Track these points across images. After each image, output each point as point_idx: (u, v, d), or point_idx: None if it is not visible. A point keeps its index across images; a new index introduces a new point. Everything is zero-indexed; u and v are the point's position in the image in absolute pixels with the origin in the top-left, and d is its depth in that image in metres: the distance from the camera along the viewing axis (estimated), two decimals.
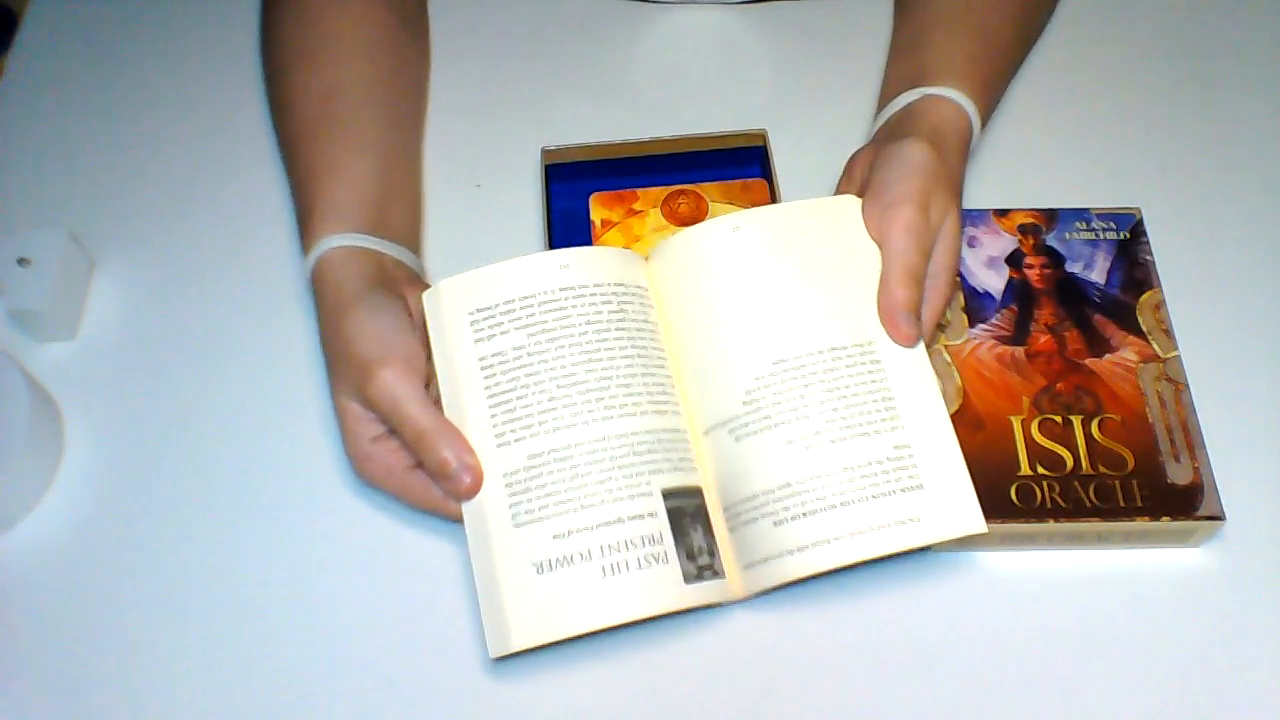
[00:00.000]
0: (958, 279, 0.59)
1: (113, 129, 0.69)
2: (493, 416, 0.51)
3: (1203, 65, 0.71)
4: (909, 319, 0.51)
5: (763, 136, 0.66)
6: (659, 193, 0.64)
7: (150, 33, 0.74)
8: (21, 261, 0.60)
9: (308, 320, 0.62)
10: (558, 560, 0.48)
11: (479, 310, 0.53)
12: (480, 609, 0.49)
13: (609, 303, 0.53)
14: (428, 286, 0.55)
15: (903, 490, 0.49)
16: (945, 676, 0.51)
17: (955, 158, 0.57)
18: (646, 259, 0.56)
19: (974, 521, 0.49)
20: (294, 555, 0.55)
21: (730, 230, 0.54)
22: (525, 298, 0.52)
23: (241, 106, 0.70)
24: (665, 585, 0.49)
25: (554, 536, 0.49)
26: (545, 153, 0.65)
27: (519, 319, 0.52)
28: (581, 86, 0.70)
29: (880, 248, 0.53)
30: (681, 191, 0.64)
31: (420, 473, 0.52)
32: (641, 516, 0.49)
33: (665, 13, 0.74)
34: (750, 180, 0.64)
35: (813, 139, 0.66)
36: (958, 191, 0.56)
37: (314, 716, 0.51)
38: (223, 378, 0.60)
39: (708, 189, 0.64)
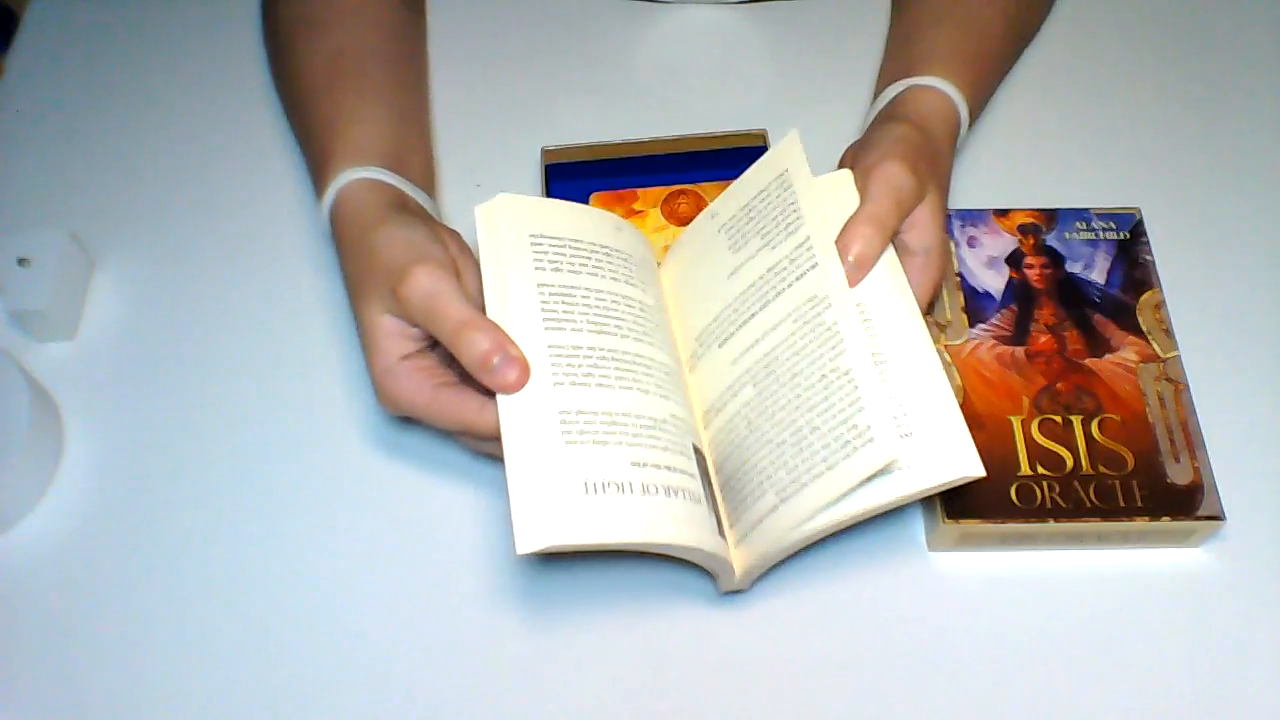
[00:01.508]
0: (951, 262, 0.59)
1: (113, 129, 0.70)
2: (550, 348, 0.49)
3: (1203, 65, 0.71)
4: (851, 266, 0.50)
5: (763, 136, 0.66)
6: (659, 193, 0.64)
7: (150, 33, 0.74)
8: (21, 261, 0.60)
9: (307, 320, 0.62)
10: (607, 484, 0.46)
11: (541, 236, 0.52)
12: (511, 506, 0.45)
13: (647, 275, 0.55)
14: (449, 228, 0.55)
15: None
16: (945, 676, 0.51)
17: (941, 142, 0.57)
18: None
19: (970, 465, 0.48)
20: (295, 554, 0.55)
21: (709, 219, 0.56)
22: (587, 242, 0.53)
23: (242, 106, 0.70)
24: (701, 527, 0.48)
25: (605, 462, 0.47)
26: (545, 153, 0.65)
27: (580, 260, 0.52)
28: (582, 86, 0.70)
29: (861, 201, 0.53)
30: (681, 191, 0.64)
31: (451, 388, 0.50)
32: (683, 471, 0.49)
33: (665, 12, 0.74)
34: None
35: (813, 139, 0.65)
36: (944, 172, 0.56)
37: (309, 712, 0.51)
38: (222, 377, 0.60)
39: (708, 189, 0.64)
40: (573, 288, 0.51)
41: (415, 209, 0.56)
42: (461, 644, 0.52)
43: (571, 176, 0.65)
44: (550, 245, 0.52)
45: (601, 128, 0.67)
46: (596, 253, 0.53)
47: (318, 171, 0.58)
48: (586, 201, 0.63)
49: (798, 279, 0.51)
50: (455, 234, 0.54)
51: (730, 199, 0.56)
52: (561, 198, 0.63)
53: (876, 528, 0.54)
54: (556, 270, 0.52)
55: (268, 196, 0.66)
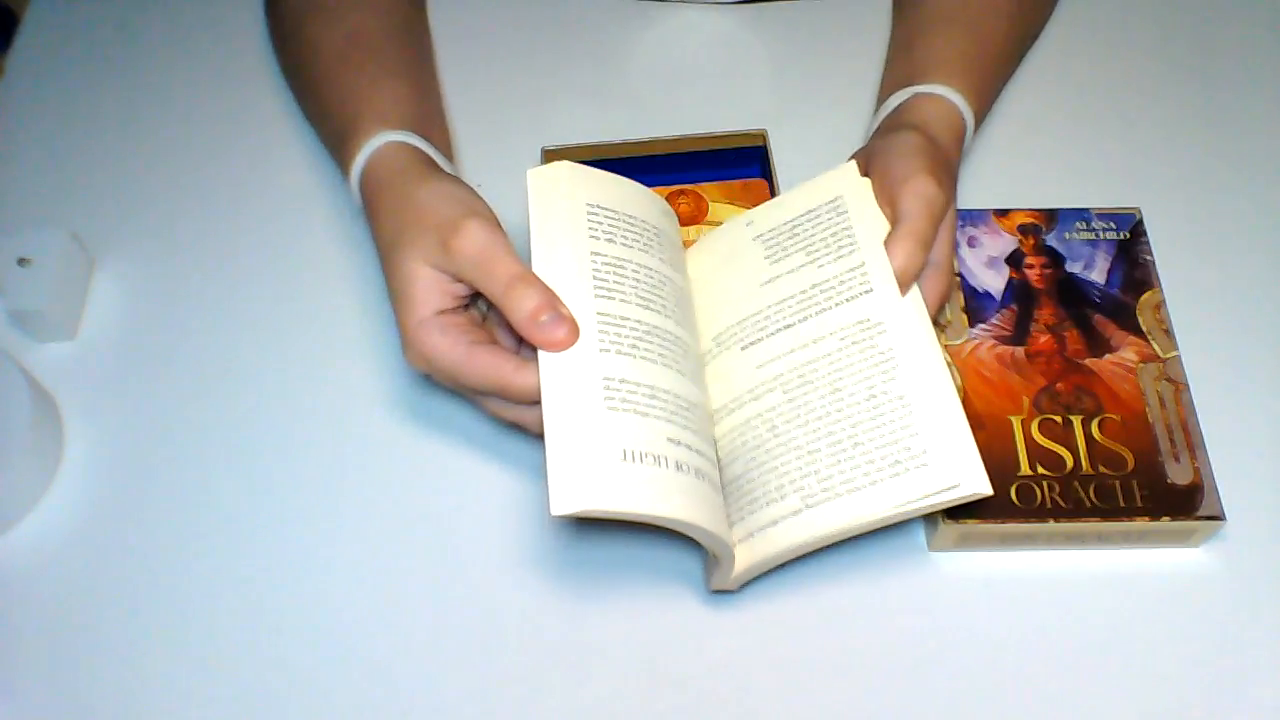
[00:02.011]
0: (956, 276, 0.59)
1: (113, 129, 0.70)
2: (599, 315, 0.49)
3: (1203, 65, 0.71)
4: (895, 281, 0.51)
5: (763, 136, 0.66)
6: (659, 193, 0.64)
7: (150, 33, 0.74)
8: (21, 261, 0.60)
9: (308, 318, 0.62)
10: (644, 454, 0.46)
11: (599, 207, 0.52)
12: (548, 467, 0.44)
13: (684, 266, 0.55)
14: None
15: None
16: (945, 677, 0.51)
17: (950, 149, 0.57)
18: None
19: (978, 483, 0.48)
20: (295, 553, 0.55)
21: (744, 225, 0.56)
22: (641, 220, 0.53)
23: (242, 106, 0.70)
24: (721, 515, 0.48)
25: (644, 433, 0.46)
26: (545, 153, 0.65)
27: (634, 236, 0.52)
28: (582, 86, 0.70)
29: (891, 218, 0.53)
30: (681, 191, 0.64)
31: (486, 346, 0.49)
32: (709, 458, 0.49)
33: (666, 12, 0.74)
34: (750, 180, 0.64)
35: (813, 139, 0.66)
36: (954, 181, 0.56)
37: (314, 718, 0.51)
38: (222, 377, 0.60)
39: (708, 189, 0.64)
40: (625, 260, 0.51)
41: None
42: (458, 640, 0.52)
43: None
44: (606, 217, 0.52)
45: (601, 127, 0.67)
46: (649, 231, 0.53)
47: (344, 139, 0.58)
48: None
49: (847, 300, 0.52)
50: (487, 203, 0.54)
51: (772, 211, 0.56)
52: None
53: (876, 529, 0.54)
54: (610, 241, 0.51)
55: (268, 196, 0.66)
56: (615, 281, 0.50)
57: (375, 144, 0.55)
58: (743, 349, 0.53)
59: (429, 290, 0.50)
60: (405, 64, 0.62)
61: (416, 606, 0.53)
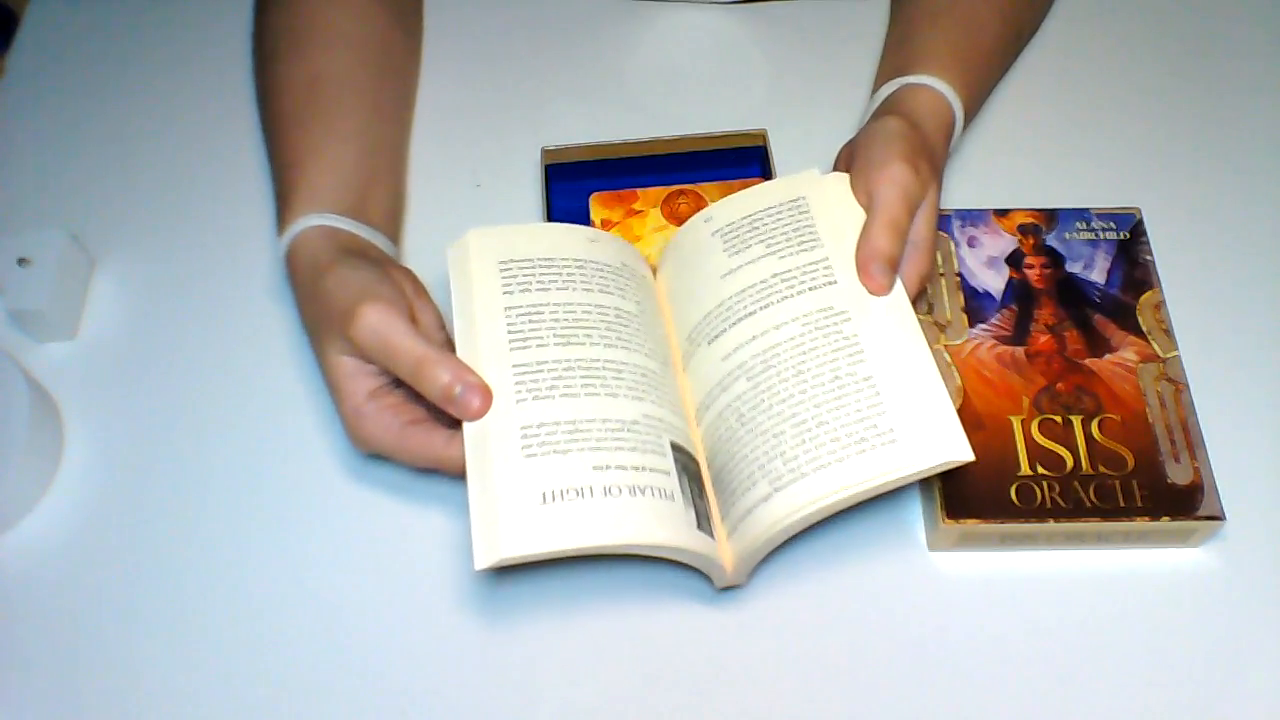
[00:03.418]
0: (951, 262, 0.59)
1: (113, 129, 0.70)
2: (515, 367, 0.50)
3: (1203, 65, 0.71)
4: (884, 269, 0.52)
5: (763, 136, 0.66)
6: (659, 193, 0.64)
7: (150, 33, 0.74)
8: (21, 261, 0.60)
9: None
10: (566, 491, 0.47)
11: (511, 261, 0.54)
12: (471, 523, 0.46)
13: (630, 281, 0.55)
14: (405, 268, 0.55)
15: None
16: (945, 677, 0.51)
17: (934, 136, 0.57)
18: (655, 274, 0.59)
19: (958, 450, 0.48)
20: (294, 553, 0.55)
21: (703, 222, 0.57)
22: (559, 259, 0.54)
23: (241, 107, 0.70)
24: (672, 524, 0.48)
25: (565, 470, 0.48)
26: (545, 153, 0.65)
27: (550, 277, 0.53)
28: (581, 86, 0.70)
29: (867, 205, 0.54)
30: (681, 191, 0.64)
31: (418, 426, 0.51)
32: (654, 469, 0.49)
33: (665, 12, 0.74)
34: (750, 180, 0.64)
35: (812, 139, 0.66)
36: (938, 168, 0.56)
37: (313, 713, 0.51)
38: (222, 377, 0.60)
39: (708, 189, 0.64)
40: (541, 305, 0.52)
41: (371, 253, 0.55)
42: (459, 640, 0.52)
43: (571, 176, 0.65)
44: (519, 268, 0.54)
45: (601, 127, 0.67)
46: (569, 267, 0.54)
47: (279, 208, 0.58)
48: (586, 202, 0.63)
49: (810, 289, 0.52)
50: (409, 274, 0.55)
51: (730, 206, 0.57)
52: (561, 198, 0.64)
53: (876, 528, 0.54)
54: (525, 291, 0.53)
55: (268, 196, 0.66)
56: (531, 329, 0.51)
57: (298, 227, 0.55)
58: (709, 343, 0.53)
59: (353, 379, 0.51)
60: (362, 118, 0.61)
61: (417, 606, 0.53)
